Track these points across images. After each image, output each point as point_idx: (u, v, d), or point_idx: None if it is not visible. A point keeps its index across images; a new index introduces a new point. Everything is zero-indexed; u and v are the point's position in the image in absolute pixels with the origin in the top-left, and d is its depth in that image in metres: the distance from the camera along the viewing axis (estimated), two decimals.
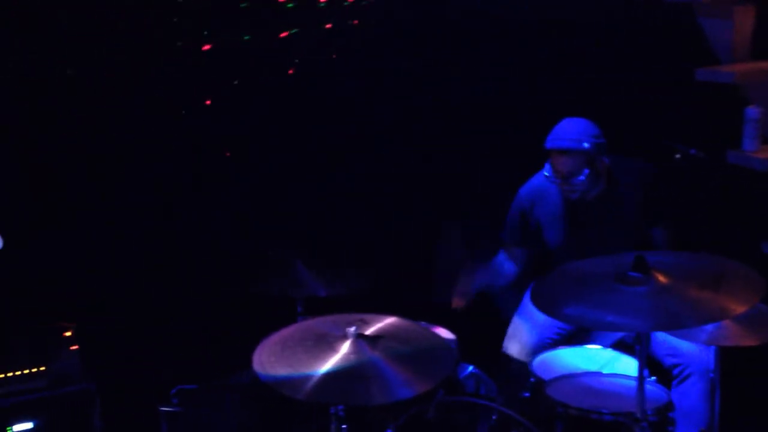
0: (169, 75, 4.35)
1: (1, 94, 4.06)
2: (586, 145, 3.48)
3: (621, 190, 3.60)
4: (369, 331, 2.74)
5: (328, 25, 4.47)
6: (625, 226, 3.60)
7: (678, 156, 3.38)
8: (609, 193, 3.60)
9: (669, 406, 3.00)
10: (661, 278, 2.60)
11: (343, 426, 2.78)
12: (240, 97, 4.48)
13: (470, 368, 3.61)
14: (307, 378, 2.55)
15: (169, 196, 4.45)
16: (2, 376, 3.90)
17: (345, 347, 2.66)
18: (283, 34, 4.45)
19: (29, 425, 3.91)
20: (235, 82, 4.47)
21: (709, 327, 3.00)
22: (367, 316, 2.81)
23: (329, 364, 2.60)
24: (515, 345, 3.76)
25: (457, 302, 3.78)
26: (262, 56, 4.47)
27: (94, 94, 4.24)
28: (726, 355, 3.15)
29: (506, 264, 3.90)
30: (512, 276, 3.88)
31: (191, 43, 4.38)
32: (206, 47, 4.39)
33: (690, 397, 3.44)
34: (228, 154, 4.48)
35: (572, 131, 3.51)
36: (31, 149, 4.20)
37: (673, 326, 2.76)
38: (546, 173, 3.58)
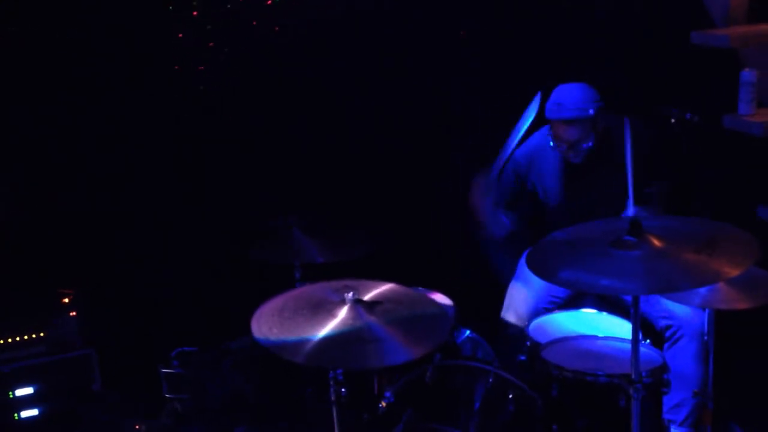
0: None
1: None
2: (591, 111, 3.46)
3: (616, 149, 3.60)
4: (367, 297, 2.76)
5: None
6: (621, 184, 3.61)
7: (673, 121, 3.38)
8: (605, 151, 3.60)
9: (663, 368, 3.04)
10: (656, 242, 2.62)
11: (342, 390, 2.81)
12: (231, 62, 4.47)
13: (467, 332, 3.64)
14: (305, 342, 2.58)
15: (167, 161, 4.44)
16: (2, 342, 3.94)
17: (343, 312, 2.68)
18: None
19: (30, 390, 3.96)
20: (226, 50, 4.45)
21: (703, 290, 3.02)
22: (362, 283, 2.83)
23: (327, 328, 2.63)
24: (513, 311, 3.78)
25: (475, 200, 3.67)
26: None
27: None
28: (720, 319, 3.18)
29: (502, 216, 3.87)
30: (507, 228, 3.82)
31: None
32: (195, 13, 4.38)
33: (682, 358, 3.47)
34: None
35: (575, 99, 3.48)
36: (30, 118, 4.21)
37: (667, 289, 2.79)
38: (551, 143, 3.57)
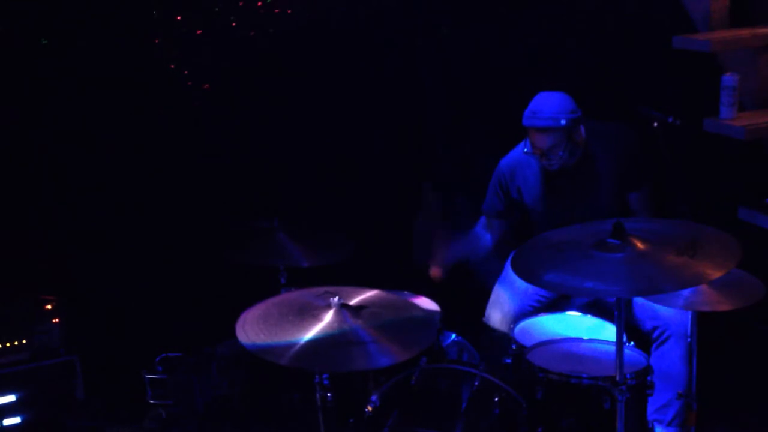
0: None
1: None
2: (563, 122, 3.50)
3: (599, 157, 3.63)
4: (353, 302, 2.76)
5: None
6: (604, 192, 3.64)
7: (656, 124, 3.41)
8: (587, 161, 3.63)
9: (648, 369, 3.06)
10: (639, 244, 2.64)
11: (328, 394, 2.81)
12: (213, 62, 4.46)
13: (453, 336, 3.65)
14: (290, 345, 2.58)
15: (149, 166, 4.42)
16: None
17: (329, 317, 2.68)
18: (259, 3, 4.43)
19: (12, 398, 3.92)
20: (215, 52, 4.44)
21: (686, 292, 3.03)
22: (345, 289, 2.83)
23: (312, 332, 2.63)
24: (496, 313, 3.80)
25: (435, 272, 3.82)
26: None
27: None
28: (703, 320, 3.20)
29: (483, 235, 3.93)
30: (487, 248, 3.91)
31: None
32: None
33: (668, 359, 3.50)
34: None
35: (549, 108, 3.52)
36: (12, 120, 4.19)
37: (650, 291, 2.80)
38: (525, 149, 3.61)
